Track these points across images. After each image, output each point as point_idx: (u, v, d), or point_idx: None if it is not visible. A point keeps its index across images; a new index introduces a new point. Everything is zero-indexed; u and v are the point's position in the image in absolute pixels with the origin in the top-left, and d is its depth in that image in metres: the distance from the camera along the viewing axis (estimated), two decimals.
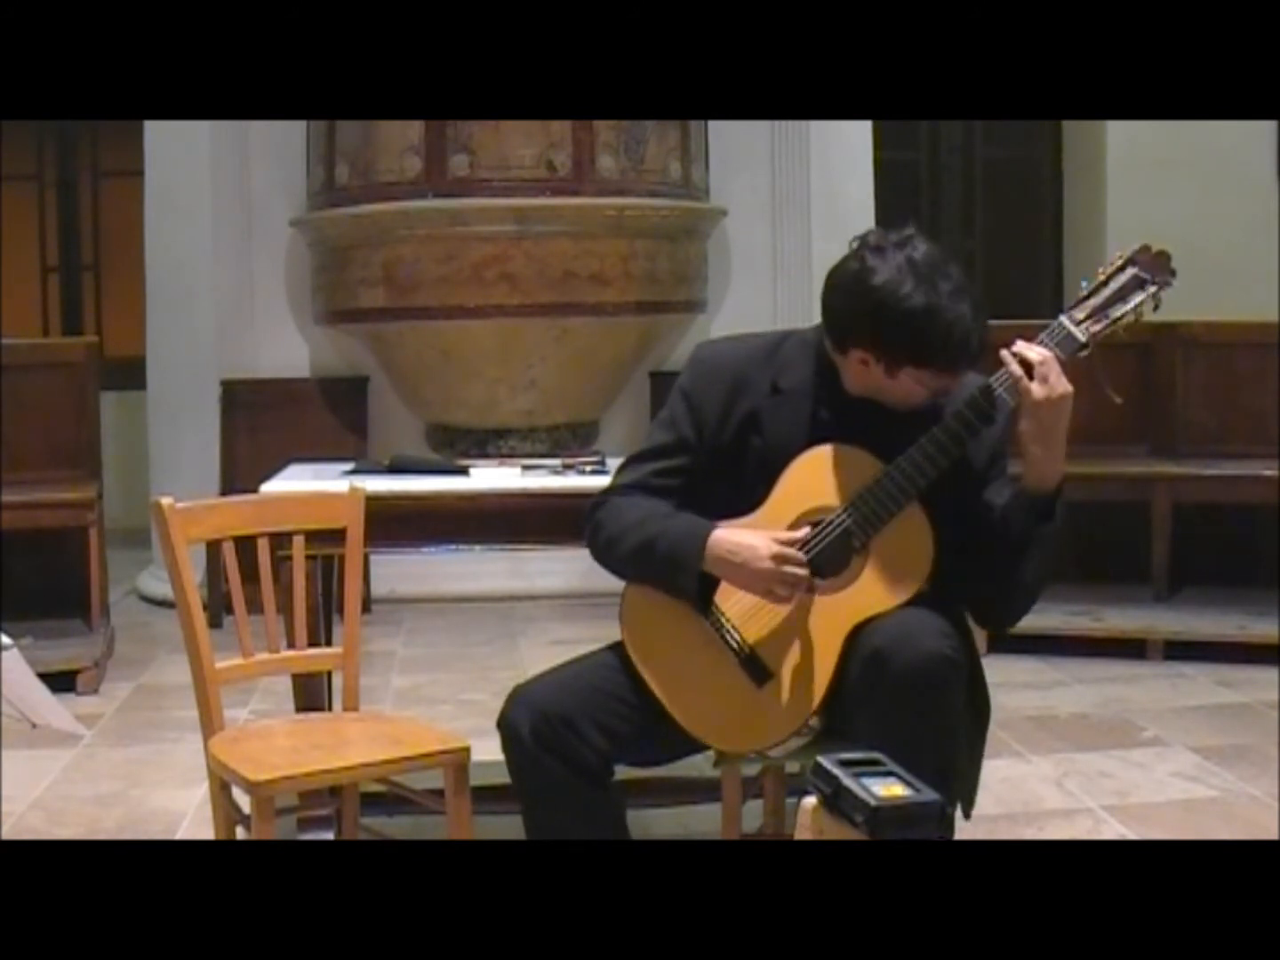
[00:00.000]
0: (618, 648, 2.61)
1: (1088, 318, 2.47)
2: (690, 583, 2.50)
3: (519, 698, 2.50)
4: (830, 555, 2.50)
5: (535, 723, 2.44)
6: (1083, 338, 2.46)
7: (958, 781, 2.52)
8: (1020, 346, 2.44)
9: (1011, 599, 2.57)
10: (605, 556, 2.61)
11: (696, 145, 6.23)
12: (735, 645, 2.52)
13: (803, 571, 2.45)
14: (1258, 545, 5.69)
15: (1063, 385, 2.42)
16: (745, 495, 2.54)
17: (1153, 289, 2.48)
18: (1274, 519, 5.45)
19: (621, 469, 2.68)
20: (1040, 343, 2.46)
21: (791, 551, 2.45)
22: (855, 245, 2.49)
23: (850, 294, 2.45)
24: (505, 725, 2.49)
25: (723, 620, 2.53)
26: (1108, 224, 7.33)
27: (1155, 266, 2.49)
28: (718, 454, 2.58)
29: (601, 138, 5.86)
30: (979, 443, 2.52)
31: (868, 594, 2.48)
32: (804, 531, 2.48)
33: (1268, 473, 5.29)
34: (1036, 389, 2.41)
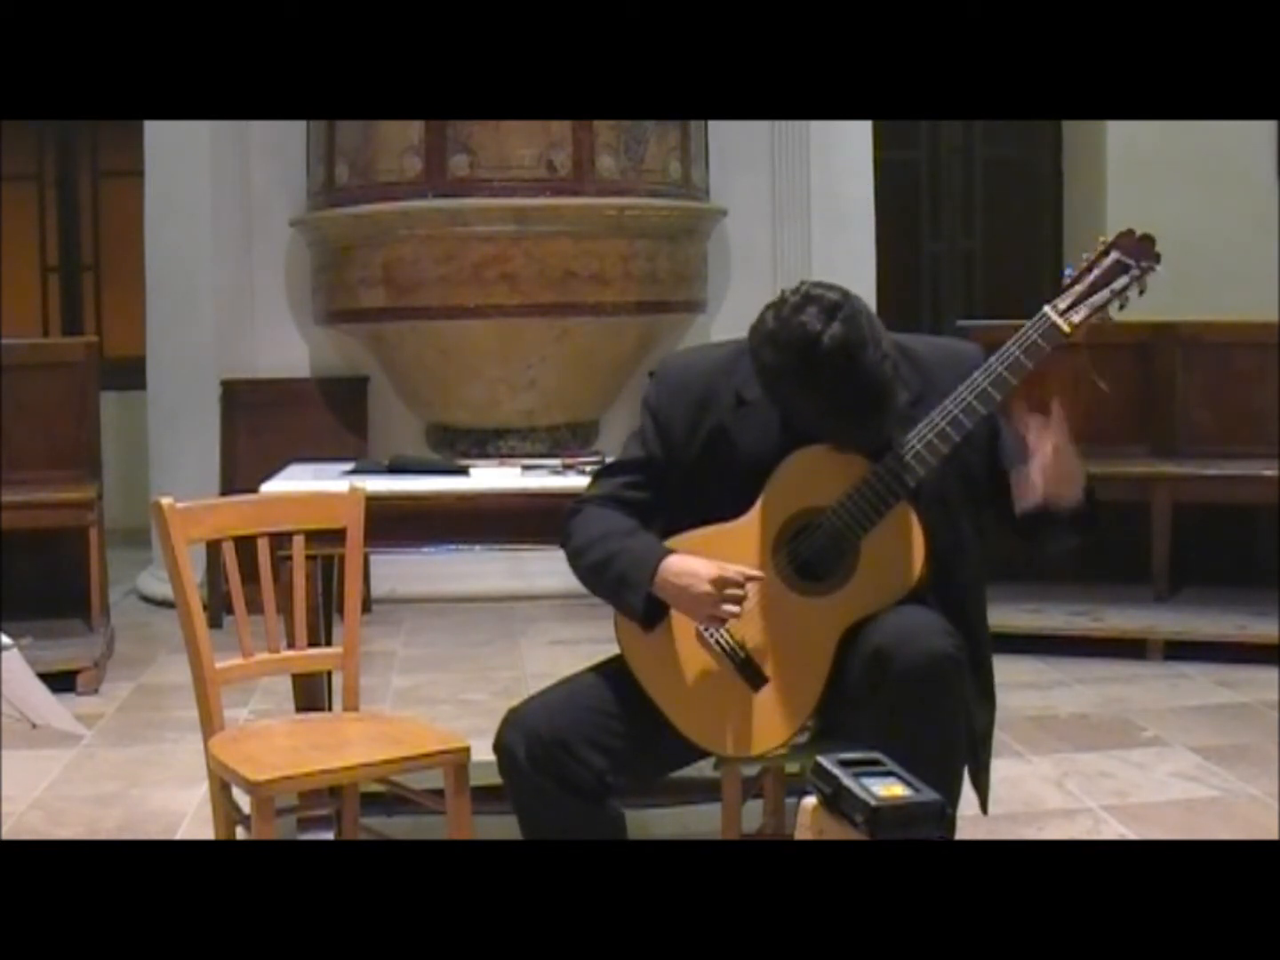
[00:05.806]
0: (608, 664, 2.61)
1: (1071, 306, 2.42)
2: (638, 602, 2.49)
3: (513, 722, 2.50)
4: (820, 556, 2.49)
5: (530, 746, 2.44)
6: (1067, 328, 2.41)
7: (979, 774, 2.54)
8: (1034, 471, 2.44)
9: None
10: (572, 567, 2.62)
11: (696, 145, 6.23)
12: (730, 651, 2.52)
13: (741, 592, 2.44)
14: (1258, 545, 5.68)
15: (1065, 467, 2.47)
16: (722, 506, 2.53)
17: (1136, 273, 2.42)
18: (1274, 519, 5.44)
19: (596, 478, 2.69)
20: (1024, 335, 2.42)
21: (733, 578, 2.43)
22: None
23: None
24: (501, 750, 2.49)
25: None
26: (1108, 224, 7.31)
27: (1139, 251, 2.44)
28: (687, 469, 2.58)
29: (601, 138, 5.85)
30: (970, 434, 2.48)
31: (860, 594, 2.48)
32: (754, 570, 2.47)
33: (1268, 473, 5.28)
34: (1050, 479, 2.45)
